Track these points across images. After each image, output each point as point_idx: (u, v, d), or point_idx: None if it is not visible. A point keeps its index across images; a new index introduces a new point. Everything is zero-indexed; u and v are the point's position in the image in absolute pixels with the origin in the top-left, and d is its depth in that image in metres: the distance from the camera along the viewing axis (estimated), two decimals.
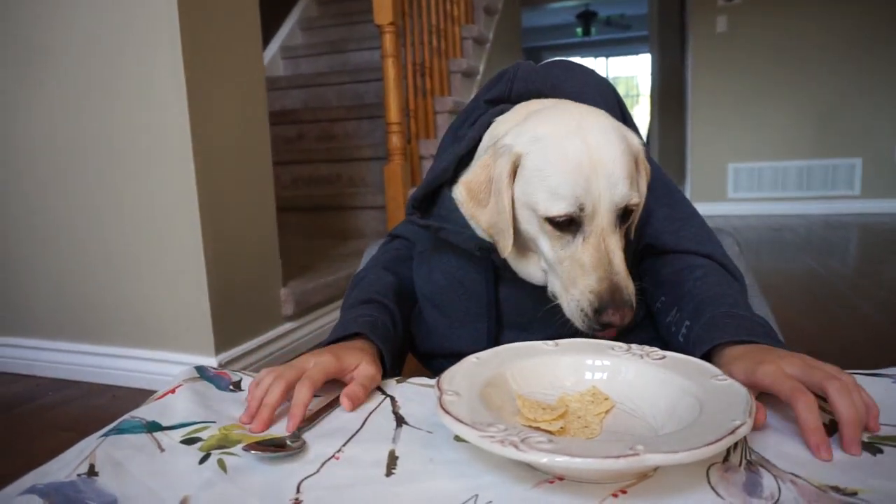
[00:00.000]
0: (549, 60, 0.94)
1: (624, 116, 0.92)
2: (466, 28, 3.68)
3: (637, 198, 0.70)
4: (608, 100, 0.90)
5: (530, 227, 0.72)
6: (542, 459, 0.45)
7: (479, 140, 0.81)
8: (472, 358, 0.65)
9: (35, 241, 1.86)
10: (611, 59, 11.25)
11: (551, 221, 0.69)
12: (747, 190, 5.12)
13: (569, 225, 0.69)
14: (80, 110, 1.72)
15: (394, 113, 2.61)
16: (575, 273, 0.69)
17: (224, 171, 1.73)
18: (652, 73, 6.82)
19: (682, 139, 5.74)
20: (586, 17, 9.71)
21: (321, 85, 3.74)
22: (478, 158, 0.79)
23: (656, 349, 0.67)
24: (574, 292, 0.69)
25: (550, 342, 0.71)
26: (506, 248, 0.73)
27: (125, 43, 1.64)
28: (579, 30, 10.21)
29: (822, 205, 4.94)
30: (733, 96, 5.05)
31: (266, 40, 3.98)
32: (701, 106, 5.17)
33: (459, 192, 0.77)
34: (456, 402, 0.54)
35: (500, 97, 0.89)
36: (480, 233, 0.78)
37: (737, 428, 0.47)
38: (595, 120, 0.71)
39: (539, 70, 0.90)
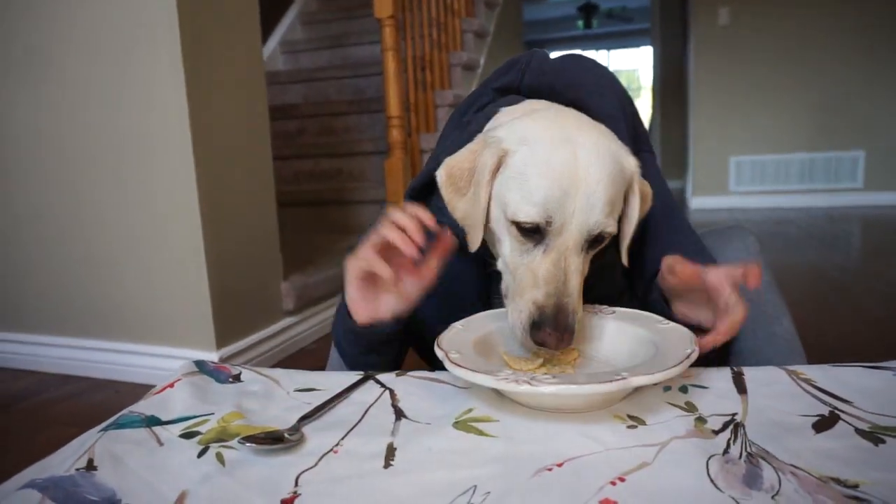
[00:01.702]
0: (563, 54, 0.92)
1: (634, 119, 0.90)
2: (467, 21, 3.66)
3: (612, 227, 0.67)
4: (620, 99, 0.88)
5: (498, 225, 0.71)
6: (552, 390, 0.53)
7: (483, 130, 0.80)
8: (457, 325, 0.74)
9: (37, 239, 1.86)
10: (612, 51, 11.20)
11: (517, 225, 0.67)
12: (749, 183, 5.09)
13: (533, 233, 0.67)
14: (79, 108, 1.72)
15: (394, 107, 2.60)
16: (526, 282, 0.67)
17: (224, 167, 1.72)
18: (653, 66, 6.79)
19: (683, 132, 5.72)
20: (588, 10, 9.66)
21: (321, 79, 3.73)
22: None
23: (605, 306, 0.76)
24: (520, 302, 0.67)
25: None
26: (474, 243, 0.71)
27: (124, 39, 1.63)
28: (580, 22, 10.16)
29: (825, 198, 4.92)
30: (735, 89, 5.02)
31: (266, 35, 3.97)
32: (702, 99, 5.15)
33: (440, 174, 0.74)
34: (462, 359, 0.61)
35: (510, 86, 0.86)
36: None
37: (690, 354, 0.59)
38: (592, 137, 0.68)
39: (554, 63, 0.88)
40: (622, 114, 0.85)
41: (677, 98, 6.34)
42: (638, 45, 10.75)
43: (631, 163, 0.71)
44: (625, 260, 0.75)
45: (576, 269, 0.66)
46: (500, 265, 0.74)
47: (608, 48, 11.12)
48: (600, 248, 0.70)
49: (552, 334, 0.63)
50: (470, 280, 0.84)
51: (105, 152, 1.71)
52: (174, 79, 1.58)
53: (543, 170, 0.66)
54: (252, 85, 1.85)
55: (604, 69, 0.92)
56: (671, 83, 6.48)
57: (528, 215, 0.66)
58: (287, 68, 4.11)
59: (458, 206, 0.73)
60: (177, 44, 1.57)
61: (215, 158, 1.68)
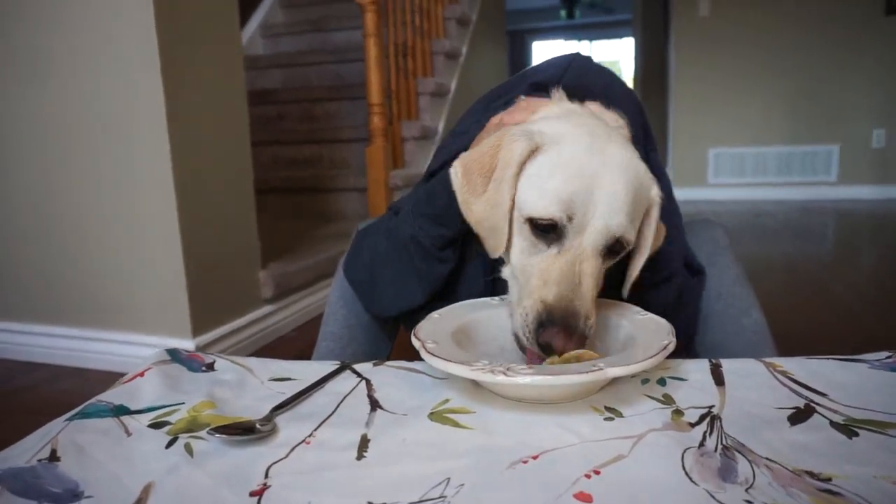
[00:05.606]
0: (597, 62, 0.93)
1: (646, 123, 0.90)
2: (449, 8, 3.63)
3: (632, 235, 0.64)
4: (639, 107, 0.89)
5: (512, 227, 0.66)
6: (528, 380, 0.53)
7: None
8: (434, 315, 0.72)
9: (4, 224, 1.81)
10: (594, 42, 11.20)
11: (532, 223, 0.63)
12: (728, 175, 5.14)
13: (548, 233, 0.62)
14: (52, 92, 1.67)
15: (375, 94, 2.57)
16: (536, 283, 0.62)
17: (201, 153, 1.69)
18: (635, 57, 6.80)
19: (663, 123, 5.75)
20: (570, 0, 9.65)
21: (302, 65, 3.68)
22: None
23: None
24: (527, 303, 0.62)
25: (496, 298, 0.76)
26: (497, 248, 0.66)
27: (97, 22, 1.58)
28: (563, 12, 10.15)
29: (801, 191, 4.99)
30: (715, 80, 5.05)
31: (246, 18, 3.89)
32: (683, 90, 5.17)
33: (456, 170, 0.69)
34: (438, 349, 0.61)
35: (548, 82, 0.82)
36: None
37: (667, 345, 0.59)
38: (624, 152, 0.65)
39: (594, 67, 0.88)
40: (639, 118, 0.86)
41: (658, 89, 6.36)
42: (620, 36, 10.76)
43: (655, 190, 0.67)
44: (625, 292, 0.72)
45: (590, 272, 0.61)
46: (506, 273, 0.69)
47: (590, 38, 11.12)
48: (617, 259, 0.66)
49: (559, 333, 0.58)
50: (475, 285, 0.83)
51: (76, 136, 1.67)
52: (149, 63, 1.54)
53: (570, 168, 0.62)
54: (230, 69, 1.81)
55: (622, 80, 0.94)
56: (652, 74, 6.50)
57: (548, 211, 0.61)
58: (267, 53, 4.05)
59: (474, 208, 0.66)
60: (152, 27, 1.52)
61: (191, 143, 1.65)
